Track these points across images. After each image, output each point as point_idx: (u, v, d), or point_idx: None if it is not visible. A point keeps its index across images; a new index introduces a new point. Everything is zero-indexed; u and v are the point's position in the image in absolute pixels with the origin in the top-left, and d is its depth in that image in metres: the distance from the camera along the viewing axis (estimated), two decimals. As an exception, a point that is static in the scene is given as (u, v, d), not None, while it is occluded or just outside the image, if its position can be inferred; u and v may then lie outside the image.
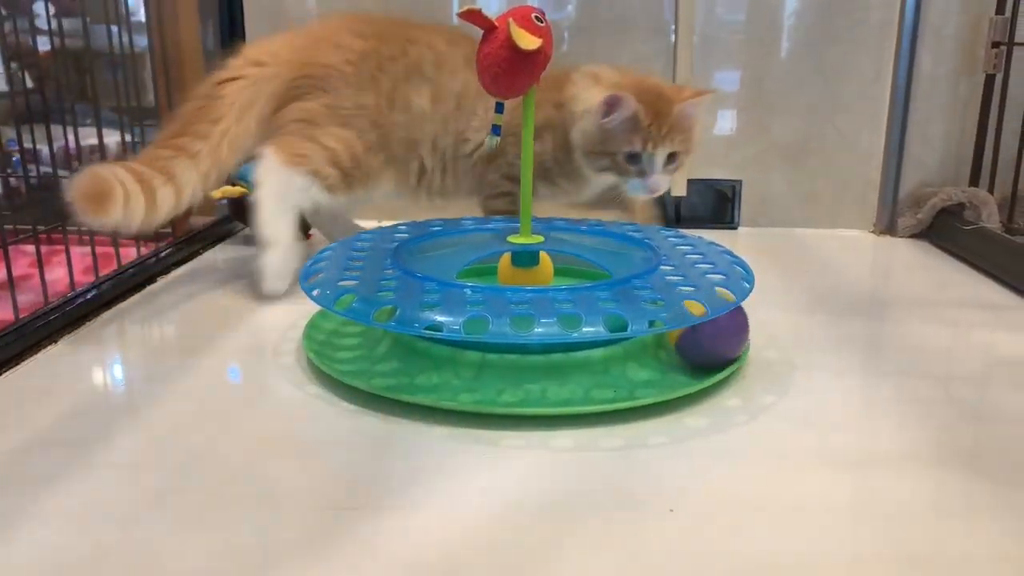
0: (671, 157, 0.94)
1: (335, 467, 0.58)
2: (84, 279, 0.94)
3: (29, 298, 0.88)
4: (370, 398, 0.67)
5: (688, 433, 0.63)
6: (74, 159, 1.10)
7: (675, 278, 0.73)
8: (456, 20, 0.72)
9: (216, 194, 1.16)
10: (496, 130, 0.76)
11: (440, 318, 0.64)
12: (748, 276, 0.76)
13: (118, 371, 0.77)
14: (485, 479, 0.57)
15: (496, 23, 0.71)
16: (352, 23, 1.01)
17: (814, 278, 1.06)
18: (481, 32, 0.73)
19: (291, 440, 0.63)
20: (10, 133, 1.35)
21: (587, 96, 0.96)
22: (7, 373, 0.74)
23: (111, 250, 1.00)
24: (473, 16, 0.71)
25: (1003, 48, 1.17)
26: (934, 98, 1.25)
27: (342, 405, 0.68)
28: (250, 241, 1.20)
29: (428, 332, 0.63)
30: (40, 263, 0.87)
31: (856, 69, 1.25)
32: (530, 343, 0.69)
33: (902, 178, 1.28)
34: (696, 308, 0.67)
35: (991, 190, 1.23)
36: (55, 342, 0.81)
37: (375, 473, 0.57)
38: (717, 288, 0.71)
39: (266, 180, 0.95)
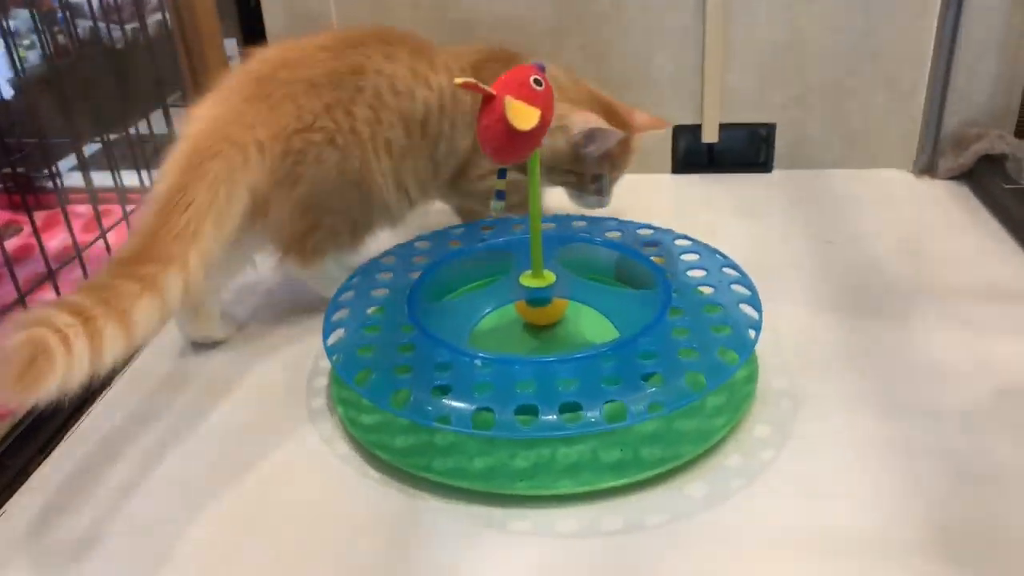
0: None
1: (357, 550, 0.65)
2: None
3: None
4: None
5: (687, 506, 0.68)
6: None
7: (681, 334, 0.75)
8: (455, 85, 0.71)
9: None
10: (500, 195, 0.76)
11: (450, 404, 0.68)
12: (756, 323, 0.77)
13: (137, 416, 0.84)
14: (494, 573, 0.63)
15: (494, 91, 0.70)
16: (288, 69, 0.88)
17: (840, 252, 1.05)
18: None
19: (318, 511, 0.69)
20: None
21: (562, 116, 0.93)
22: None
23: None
24: (470, 87, 0.70)
25: (1061, -14, 1.07)
26: (986, 31, 1.17)
27: (368, 472, 0.73)
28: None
29: (437, 425, 0.68)
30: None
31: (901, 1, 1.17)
32: (532, 437, 0.72)
33: (946, 116, 1.22)
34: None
35: (1040, 131, 1.17)
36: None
37: (395, 561, 0.64)
38: (718, 351, 0.73)
39: (306, 279, 0.95)
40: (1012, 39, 1.16)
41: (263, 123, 0.85)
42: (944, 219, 1.13)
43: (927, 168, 1.24)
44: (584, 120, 0.94)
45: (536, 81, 0.71)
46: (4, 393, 0.60)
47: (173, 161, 0.82)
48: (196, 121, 0.85)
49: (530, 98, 0.70)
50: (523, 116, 0.68)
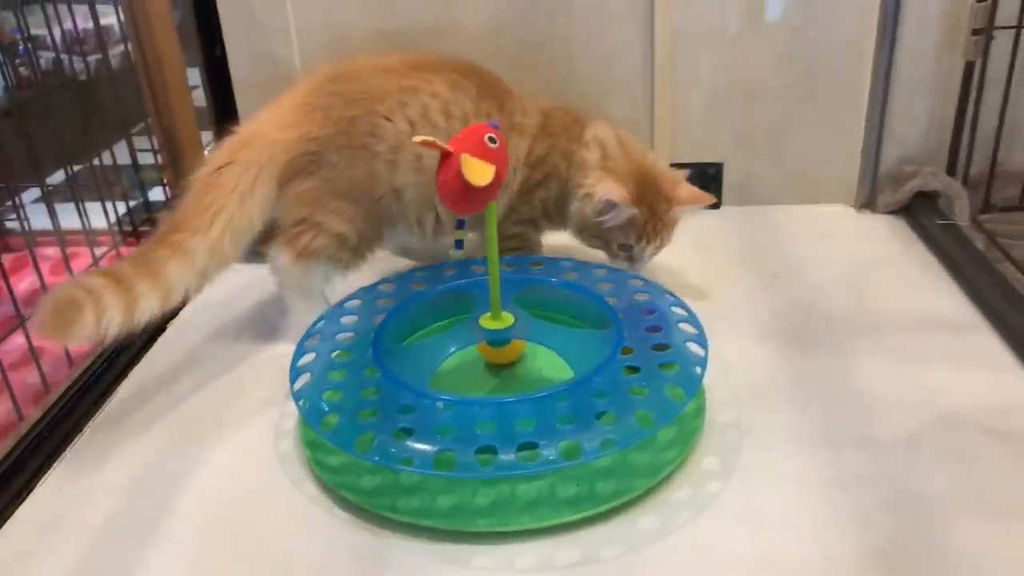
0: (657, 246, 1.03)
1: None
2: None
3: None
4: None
5: (639, 539, 0.72)
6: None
7: (631, 372, 0.79)
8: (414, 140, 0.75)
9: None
10: (459, 244, 0.80)
11: (413, 446, 0.72)
12: (702, 360, 0.82)
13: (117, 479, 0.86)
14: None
15: (451, 148, 0.74)
16: (338, 83, 0.98)
17: (785, 286, 1.11)
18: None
19: (287, 552, 0.72)
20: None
21: (590, 185, 1.00)
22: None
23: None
24: (428, 144, 0.74)
25: (983, 35, 1.15)
26: (916, 73, 1.24)
27: (335, 512, 0.76)
28: (252, 257, 1.26)
29: (401, 467, 0.71)
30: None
31: (838, 47, 1.24)
32: (492, 477, 0.75)
33: (883, 154, 1.29)
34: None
35: (968, 166, 1.24)
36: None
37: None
38: (667, 388, 0.77)
39: (285, 278, 1.00)
40: (940, 82, 1.24)
41: (294, 126, 0.96)
42: (883, 253, 1.19)
43: (867, 204, 1.31)
44: (605, 191, 0.98)
45: (491, 139, 0.75)
46: (43, 336, 0.78)
47: (220, 149, 0.96)
48: (251, 121, 1.00)
49: (485, 155, 0.74)
50: (478, 172, 0.73)
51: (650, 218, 1.00)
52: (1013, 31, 1.15)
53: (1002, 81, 1.19)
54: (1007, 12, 1.15)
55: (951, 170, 1.26)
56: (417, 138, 0.74)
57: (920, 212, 1.23)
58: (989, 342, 0.97)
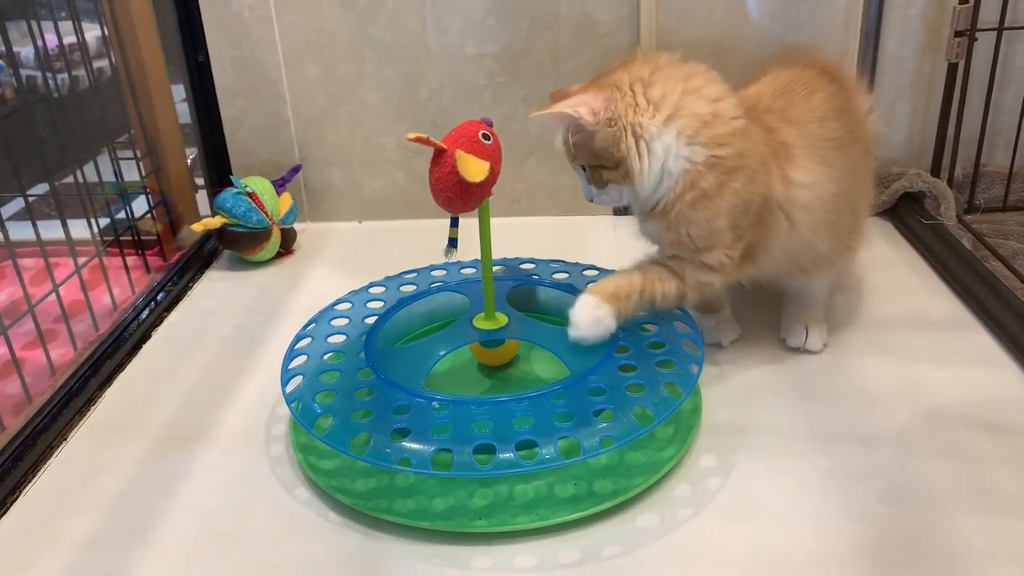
0: (587, 170, 0.82)
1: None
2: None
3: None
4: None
5: (640, 537, 0.71)
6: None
7: (628, 371, 0.79)
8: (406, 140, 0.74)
9: (197, 227, 1.20)
10: (452, 243, 0.79)
11: (409, 446, 0.71)
12: (698, 358, 0.81)
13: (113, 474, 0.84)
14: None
15: (445, 145, 0.74)
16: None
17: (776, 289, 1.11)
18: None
19: (281, 557, 0.71)
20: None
21: None
22: None
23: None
24: (422, 141, 0.73)
25: (966, 37, 1.16)
26: (899, 77, 1.25)
27: (329, 516, 0.75)
28: (235, 265, 1.25)
29: (398, 468, 0.70)
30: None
31: (821, 51, 1.24)
32: (491, 475, 0.74)
33: (868, 156, 1.29)
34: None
35: (953, 168, 1.25)
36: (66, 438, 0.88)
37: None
38: (664, 385, 0.77)
39: None
40: (923, 84, 1.25)
41: None
42: (871, 253, 1.19)
43: (853, 205, 1.32)
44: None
45: (484, 135, 0.75)
46: None
47: None
48: None
49: (479, 152, 0.74)
50: (473, 169, 0.72)
51: None
52: (995, 32, 1.16)
53: (985, 82, 1.20)
54: (989, 13, 1.17)
55: (935, 171, 1.27)
56: (410, 135, 0.73)
57: (906, 213, 1.24)
58: (980, 339, 0.97)
